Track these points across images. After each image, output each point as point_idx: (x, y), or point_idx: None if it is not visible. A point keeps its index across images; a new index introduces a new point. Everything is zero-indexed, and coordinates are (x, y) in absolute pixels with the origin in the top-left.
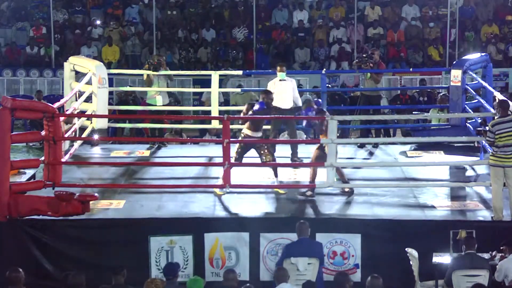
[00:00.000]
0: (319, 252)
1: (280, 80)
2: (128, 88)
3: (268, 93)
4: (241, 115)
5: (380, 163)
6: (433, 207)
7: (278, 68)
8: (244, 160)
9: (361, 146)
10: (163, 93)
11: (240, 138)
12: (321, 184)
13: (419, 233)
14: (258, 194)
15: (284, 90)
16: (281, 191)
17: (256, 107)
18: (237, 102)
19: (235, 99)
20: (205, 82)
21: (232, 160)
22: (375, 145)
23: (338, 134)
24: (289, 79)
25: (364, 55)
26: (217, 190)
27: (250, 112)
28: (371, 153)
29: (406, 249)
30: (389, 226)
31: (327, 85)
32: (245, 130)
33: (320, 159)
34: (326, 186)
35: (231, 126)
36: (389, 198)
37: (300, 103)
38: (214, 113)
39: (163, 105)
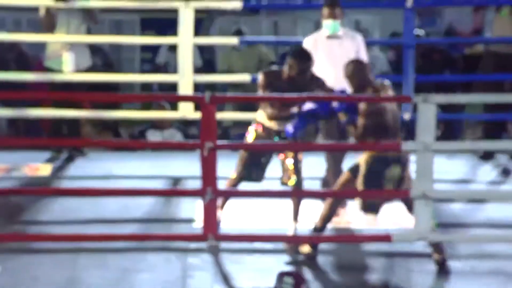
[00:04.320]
0: None
1: (328, 36)
2: (7, 36)
3: (302, 58)
4: (260, 91)
5: None
6: None
7: (326, 11)
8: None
9: (487, 156)
10: (78, 47)
11: (252, 135)
12: (404, 236)
13: None
14: (272, 255)
15: (336, 55)
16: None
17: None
18: (233, 65)
19: (228, 59)
20: (165, 24)
21: (231, 179)
22: None
23: (439, 133)
24: (350, 33)
25: None
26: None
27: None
28: (506, 171)
29: None
30: None
31: (416, 32)
32: (262, 118)
33: (348, 185)
34: (415, 239)
35: (221, 116)
36: None
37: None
38: (185, 88)
39: (79, 71)
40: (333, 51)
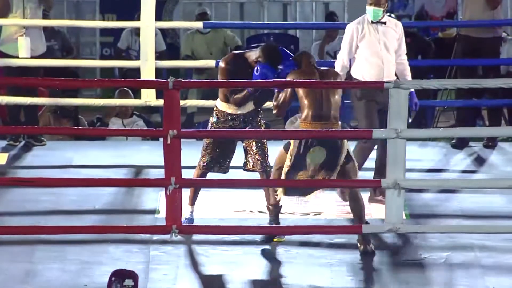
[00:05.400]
0: None
1: (372, 22)
2: None
3: (272, 56)
4: (220, 76)
5: (502, 181)
6: None
7: None
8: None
9: (459, 144)
10: (34, 31)
11: (212, 121)
12: (375, 227)
13: None
14: (239, 246)
15: (380, 41)
16: (278, 237)
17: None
18: (197, 49)
19: (192, 43)
20: (127, 6)
21: (198, 169)
22: (489, 143)
23: (410, 120)
24: (393, 21)
25: None
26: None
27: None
28: (479, 160)
29: None
30: None
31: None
32: (221, 104)
33: (280, 164)
34: (386, 231)
35: (184, 103)
36: None
37: (408, 73)
38: (147, 74)
39: (35, 57)
40: (376, 38)
